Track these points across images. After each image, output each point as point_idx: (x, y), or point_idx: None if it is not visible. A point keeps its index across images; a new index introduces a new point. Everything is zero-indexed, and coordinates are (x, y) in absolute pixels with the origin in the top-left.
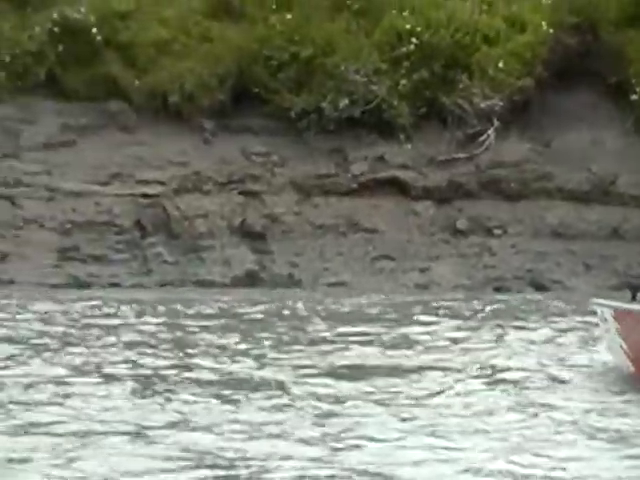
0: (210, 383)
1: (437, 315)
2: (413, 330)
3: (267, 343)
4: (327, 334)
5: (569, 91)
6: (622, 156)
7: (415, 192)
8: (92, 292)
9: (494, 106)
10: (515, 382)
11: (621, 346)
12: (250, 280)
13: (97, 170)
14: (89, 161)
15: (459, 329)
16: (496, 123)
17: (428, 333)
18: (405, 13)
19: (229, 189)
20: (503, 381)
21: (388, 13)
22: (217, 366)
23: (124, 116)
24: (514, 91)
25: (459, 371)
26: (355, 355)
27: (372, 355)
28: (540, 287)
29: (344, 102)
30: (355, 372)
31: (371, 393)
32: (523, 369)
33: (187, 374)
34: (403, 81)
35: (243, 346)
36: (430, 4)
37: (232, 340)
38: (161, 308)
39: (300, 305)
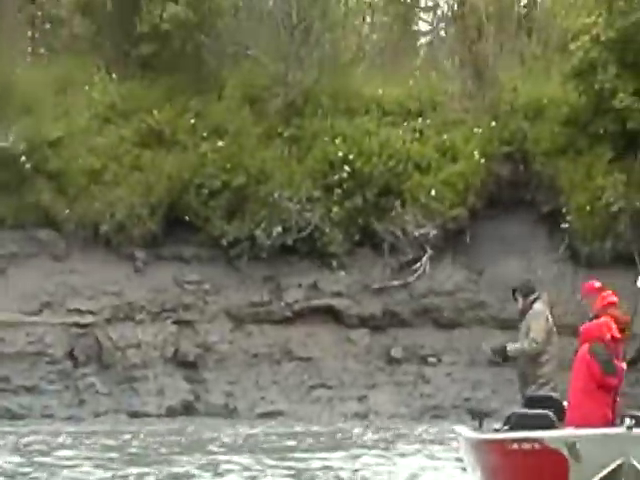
0: None
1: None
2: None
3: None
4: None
5: (502, 219)
6: (555, 284)
7: (350, 320)
8: (25, 424)
9: (427, 234)
10: None
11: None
12: (185, 410)
13: (28, 299)
14: (20, 290)
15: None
16: (429, 251)
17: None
18: (337, 141)
19: (162, 318)
20: None
21: (320, 141)
22: None
23: (54, 244)
24: (447, 219)
25: None
26: None
27: None
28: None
29: (277, 230)
30: None
31: None
32: None
33: None
34: (336, 208)
35: None
36: (362, 132)
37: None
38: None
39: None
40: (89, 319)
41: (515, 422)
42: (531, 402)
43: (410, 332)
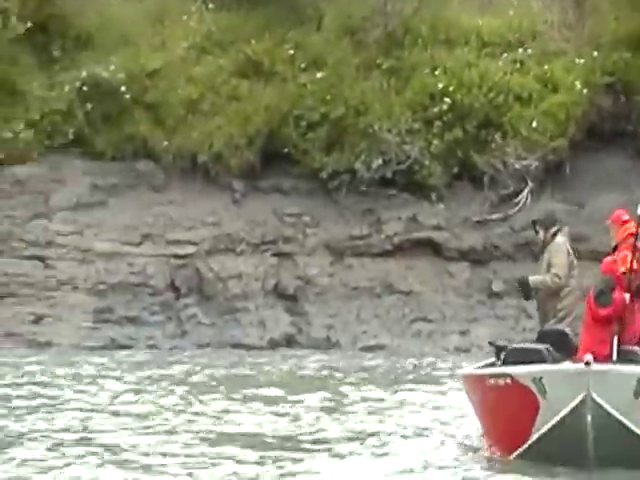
0: None
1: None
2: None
3: None
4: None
5: (603, 152)
6: None
7: (449, 253)
8: (130, 354)
9: (528, 166)
10: None
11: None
12: (287, 342)
13: (128, 230)
14: (120, 221)
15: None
16: (530, 184)
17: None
18: (437, 72)
19: (262, 250)
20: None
21: (419, 72)
22: None
23: (153, 176)
24: (548, 151)
25: None
26: None
27: None
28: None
29: (377, 162)
30: None
31: None
32: None
33: None
34: (435, 141)
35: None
36: (462, 64)
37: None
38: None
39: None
40: (189, 250)
41: (508, 357)
42: (543, 336)
43: (511, 266)
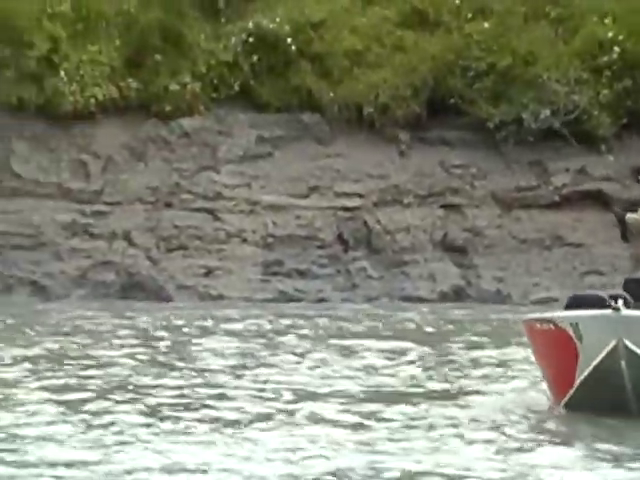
0: None
1: None
2: None
3: None
4: None
5: None
6: None
7: (619, 205)
8: (301, 307)
9: None
10: None
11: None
12: (456, 295)
13: (295, 182)
14: (287, 173)
15: None
16: None
17: None
18: (606, 21)
19: (429, 202)
20: None
21: (588, 21)
22: None
23: (318, 128)
24: None
25: None
26: None
27: None
28: None
29: (544, 113)
30: None
31: None
32: None
33: None
34: (605, 91)
35: None
36: (632, 11)
37: None
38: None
39: None
40: (356, 203)
41: (569, 304)
42: (627, 284)
43: None
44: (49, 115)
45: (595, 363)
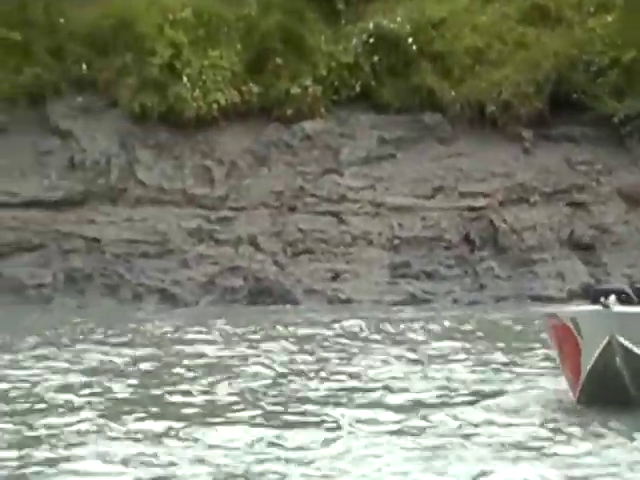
0: None
1: None
2: None
3: None
4: None
5: None
6: None
7: None
8: (430, 308)
9: None
10: None
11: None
12: (586, 294)
13: (419, 183)
14: (410, 174)
15: None
16: None
17: None
18: None
19: (555, 200)
20: None
21: None
22: None
23: (440, 127)
24: None
25: None
26: None
27: None
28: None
29: None
30: None
31: None
32: None
33: None
34: None
35: None
36: None
37: None
38: None
39: None
40: (482, 202)
41: (594, 296)
42: (598, 293)
43: None
44: (172, 122)
45: (593, 359)
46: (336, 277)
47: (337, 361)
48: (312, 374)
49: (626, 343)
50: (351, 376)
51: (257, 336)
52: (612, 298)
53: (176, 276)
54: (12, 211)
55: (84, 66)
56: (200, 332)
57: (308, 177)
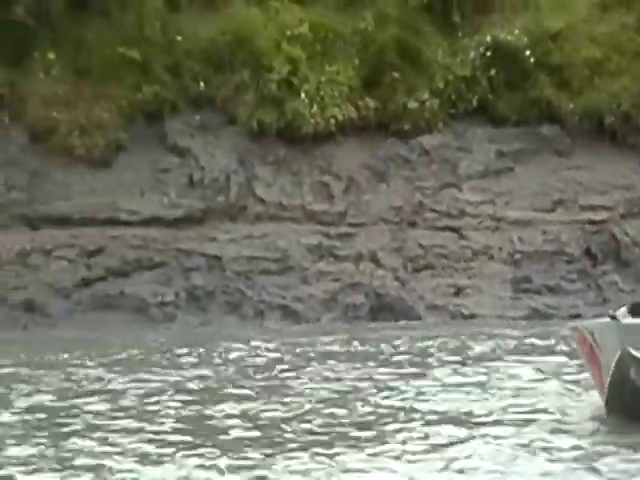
0: None
1: None
2: None
3: None
4: None
5: None
6: None
7: None
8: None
9: None
10: None
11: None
12: None
13: (538, 197)
14: (529, 188)
15: None
16: None
17: None
18: None
19: None
20: None
21: None
22: None
23: (558, 140)
24: None
25: None
26: None
27: None
28: None
29: None
30: None
31: None
32: None
33: None
34: None
35: None
36: None
37: None
38: None
39: None
40: (603, 215)
41: (632, 310)
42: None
43: None
44: (289, 138)
45: (610, 373)
46: (458, 292)
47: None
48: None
49: (637, 354)
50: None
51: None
52: (623, 310)
53: (297, 293)
54: (132, 229)
55: (202, 83)
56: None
57: (427, 192)
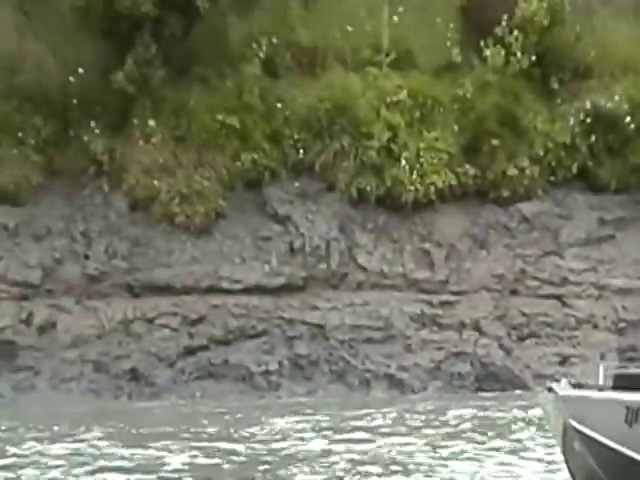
0: None
1: None
2: None
3: None
4: None
5: None
6: None
7: None
8: None
9: None
10: None
11: None
12: None
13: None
14: (631, 255)
15: None
16: None
17: None
18: None
19: None
20: None
21: None
22: None
23: None
24: None
25: None
26: None
27: None
28: None
29: None
30: None
31: None
32: None
33: None
34: None
35: None
36: None
37: None
38: None
39: None
40: None
41: (615, 382)
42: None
43: None
44: (389, 205)
45: (561, 441)
46: (564, 361)
47: None
48: None
49: (579, 426)
50: None
51: None
52: (563, 381)
53: (402, 361)
54: (235, 297)
55: (301, 150)
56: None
57: (528, 259)
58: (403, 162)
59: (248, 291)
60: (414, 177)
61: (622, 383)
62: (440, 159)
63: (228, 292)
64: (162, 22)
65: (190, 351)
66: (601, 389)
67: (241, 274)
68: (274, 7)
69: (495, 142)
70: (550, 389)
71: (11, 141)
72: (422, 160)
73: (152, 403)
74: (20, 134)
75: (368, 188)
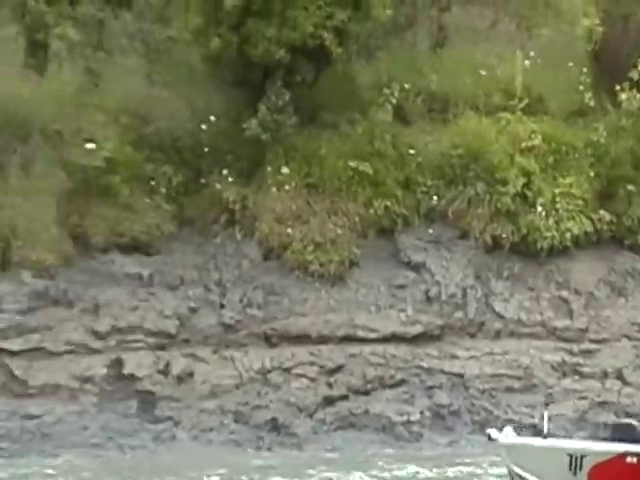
0: None
1: None
2: None
3: None
4: None
5: None
6: None
7: None
8: None
9: None
10: None
11: None
12: None
13: None
14: None
15: None
16: None
17: None
18: None
19: None
20: None
21: None
22: None
23: None
24: None
25: None
26: None
27: None
28: None
29: None
30: None
31: None
32: None
33: None
34: None
35: None
36: None
37: None
38: None
39: None
40: None
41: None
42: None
43: None
44: (524, 252)
45: None
46: None
47: None
48: None
49: (522, 472)
50: None
51: None
52: (507, 429)
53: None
54: (372, 346)
55: (434, 197)
56: None
57: None
58: (539, 208)
59: (385, 340)
60: (550, 223)
61: None
62: (576, 205)
63: (364, 341)
64: (293, 69)
65: (330, 401)
66: (545, 436)
67: (377, 323)
68: (402, 52)
69: (630, 187)
70: (490, 437)
71: (143, 190)
72: (558, 206)
73: (294, 453)
74: (152, 183)
75: (503, 235)
